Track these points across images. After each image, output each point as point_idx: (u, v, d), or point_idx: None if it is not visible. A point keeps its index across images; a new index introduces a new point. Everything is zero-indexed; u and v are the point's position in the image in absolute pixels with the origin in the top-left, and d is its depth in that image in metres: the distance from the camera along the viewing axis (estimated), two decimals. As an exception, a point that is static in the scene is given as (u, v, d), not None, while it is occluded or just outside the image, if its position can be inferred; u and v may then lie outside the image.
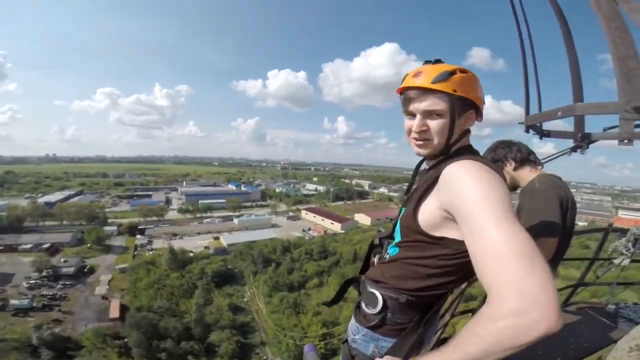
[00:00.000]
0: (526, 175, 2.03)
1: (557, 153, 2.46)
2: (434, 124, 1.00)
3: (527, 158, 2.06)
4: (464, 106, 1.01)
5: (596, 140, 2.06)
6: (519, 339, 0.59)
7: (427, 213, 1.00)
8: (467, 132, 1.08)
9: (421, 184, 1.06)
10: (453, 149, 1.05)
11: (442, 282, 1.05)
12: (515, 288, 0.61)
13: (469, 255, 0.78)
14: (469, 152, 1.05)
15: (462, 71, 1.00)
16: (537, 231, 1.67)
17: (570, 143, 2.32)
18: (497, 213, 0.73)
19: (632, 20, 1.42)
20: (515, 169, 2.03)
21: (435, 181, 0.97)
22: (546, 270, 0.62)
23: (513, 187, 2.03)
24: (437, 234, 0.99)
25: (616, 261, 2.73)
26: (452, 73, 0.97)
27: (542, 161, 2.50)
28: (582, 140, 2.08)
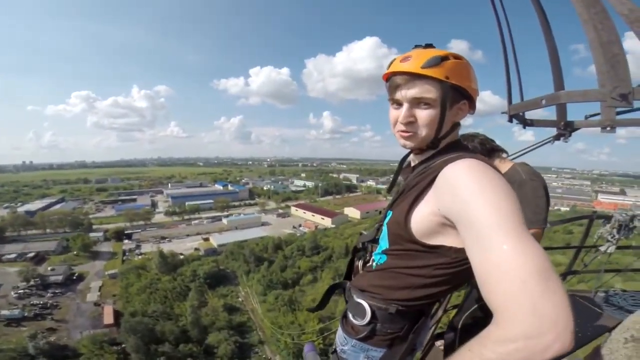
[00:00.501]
0: (497, 166, 2.01)
1: (540, 142, 2.45)
2: (423, 114, 0.92)
3: (492, 149, 2.05)
4: (456, 96, 0.92)
5: (579, 128, 2.05)
6: None
7: (421, 219, 0.89)
8: (457, 125, 0.99)
9: (410, 184, 0.97)
10: (442, 143, 0.96)
11: (437, 292, 0.96)
12: (530, 310, 0.55)
13: (468, 262, 0.72)
14: (460, 147, 0.97)
15: (456, 57, 0.92)
16: (527, 222, 1.65)
17: (551, 131, 2.31)
18: (510, 225, 0.65)
19: (611, 4, 1.38)
20: None
21: (430, 183, 0.87)
22: (561, 288, 0.57)
23: None
24: (433, 242, 0.89)
25: (602, 248, 2.75)
26: (444, 58, 0.89)
27: (525, 151, 2.50)
28: (565, 129, 2.06)
